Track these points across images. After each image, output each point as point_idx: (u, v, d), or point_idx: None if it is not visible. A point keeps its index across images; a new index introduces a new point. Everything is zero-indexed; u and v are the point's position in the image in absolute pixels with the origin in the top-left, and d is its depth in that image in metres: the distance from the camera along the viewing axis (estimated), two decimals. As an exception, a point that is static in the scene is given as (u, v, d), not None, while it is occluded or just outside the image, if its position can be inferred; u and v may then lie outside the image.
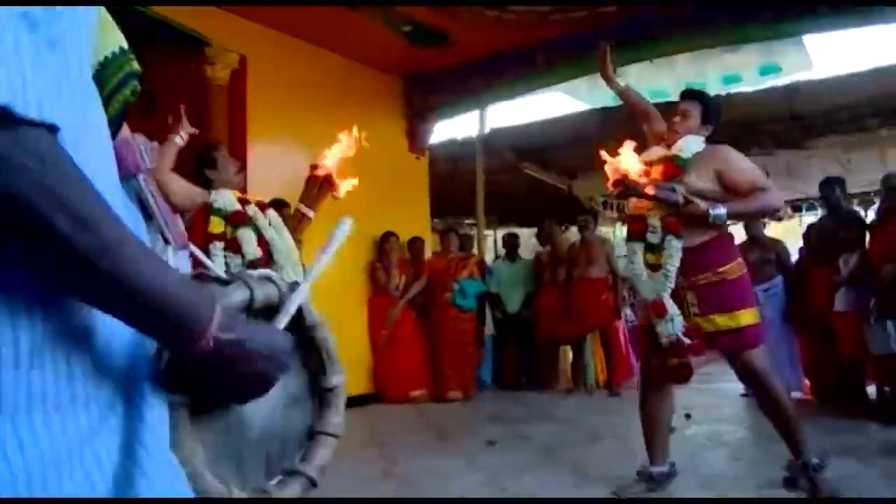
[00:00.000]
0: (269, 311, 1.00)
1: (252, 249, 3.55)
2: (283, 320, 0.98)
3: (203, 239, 3.52)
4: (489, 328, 7.72)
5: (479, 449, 4.69)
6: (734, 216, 3.42)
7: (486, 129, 8.72)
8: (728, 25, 6.15)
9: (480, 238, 8.75)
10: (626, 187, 3.30)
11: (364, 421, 5.93)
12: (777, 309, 6.10)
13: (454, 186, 9.62)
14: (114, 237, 0.67)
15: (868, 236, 5.51)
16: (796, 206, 11.54)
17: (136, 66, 0.96)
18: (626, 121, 7.94)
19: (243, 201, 3.76)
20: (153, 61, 6.48)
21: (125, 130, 0.96)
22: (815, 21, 5.89)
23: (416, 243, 7.51)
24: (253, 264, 3.46)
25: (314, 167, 3.88)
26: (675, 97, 8.39)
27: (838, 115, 7.95)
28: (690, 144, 3.42)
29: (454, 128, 9.78)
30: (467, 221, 11.19)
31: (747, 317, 3.33)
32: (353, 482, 3.77)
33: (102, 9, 0.95)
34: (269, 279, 1.02)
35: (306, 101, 6.61)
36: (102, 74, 0.93)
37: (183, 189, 3.52)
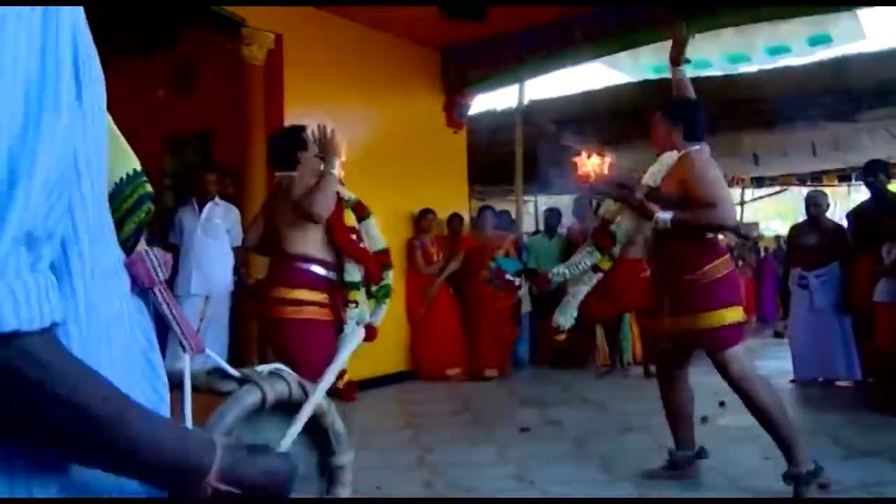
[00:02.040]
0: (281, 407, 1.06)
1: (379, 240, 3.63)
2: (294, 431, 1.04)
3: (347, 232, 3.49)
4: (526, 305, 7.71)
5: (512, 436, 4.74)
6: (679, 224, 3.44)
7: (525, 101, 8.60)
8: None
9: (520, 213, 8.70)
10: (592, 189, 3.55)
11: (399, 400, 6.04)
12: (830, 296, 5.99)
13: (493, 155, 9.58)
14: (114, 414, 0.72)
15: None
16: (843, 177, 11.26)
17: (148, 188, 1.00)
18: (665, 93, 7.85)
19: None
20: (190, 43, 6.59)
21: (140, 245, 1.01)
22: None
23: (454, 220, 7.51)
24: (383, 258, 3.58)
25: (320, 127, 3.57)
26: (716, 69, 8.26)
27: (890, 87, 7.68)
28: (662, 162, 3.57)
29: (493, 99, 9.64)
30: (507, 188, 11.14)
31: (724, 316, 3.40)
32: (385, 470, 3.86)
33: (116, 132, 0.99)
34: (279, 375, 1.08)
35: (343, 78, 6.61)
36: (117, 196, 0.97)
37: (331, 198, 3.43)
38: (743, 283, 10.73)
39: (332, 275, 3.46)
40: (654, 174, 3.62)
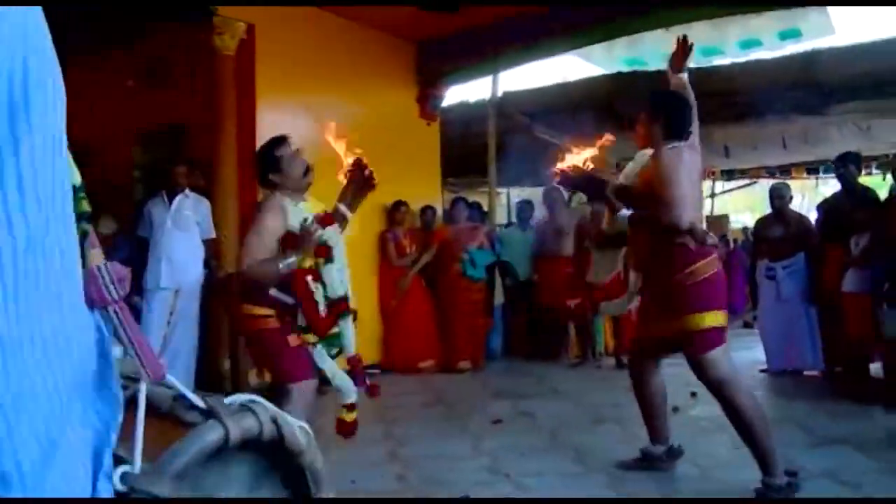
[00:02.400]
0: (250, 445, 0.99)
1: (335, 288, 3.30)
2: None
3: (302, 275, 3.25)
4: (499, 297, 7.73)
5: (485, 429, 4.75)
6: (633, 222, 3.53)
7: (499, 93, 8.59)
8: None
9: (493, 205, 8.70)
10: (563, 179, 3.66)
11: (373, 392, 6.01)
12: (797, 286, 6.08)
13: (466, 147, 9.56)
14: None
15: (885, 215, 5.41)
16: (812, 169, 11.41)
17: (85, 206, 0.95)
18: (638, 86, 7.88)
19: (326, 220, 3.32)
20: (161, 34, 6.49)
21: (92, 260, 0.95)
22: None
23: (427, 212, 7.49)
24: (337, 307, 3.30)
25: (356, 163, 3.48)
26: (690, 62, 8.31)
27: (859, 82, 7.79)
28: (638, 159, 3.65)
29: (467, 91, 9.62)
30: (480, 180, 11.12)
31: (705, 318, 3.33)
32: (357, 468, 3.84)
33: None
34: (250, 409, 1.00)
35: (316, 69, 6.55)
36: None
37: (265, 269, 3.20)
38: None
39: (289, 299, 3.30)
40: (627, 172, 3.65)
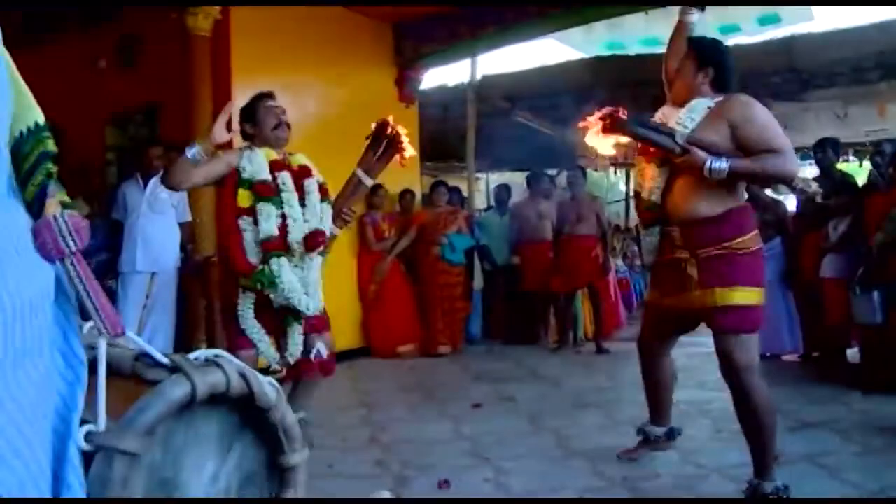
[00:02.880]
0: (220, 400, 0.96)
1: (268, 227, 3.30)
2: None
3: (232, 213, 3.33)
4: (478, 281, 7.71)
5: (465, 412, 4.72)
6: (738, 175, 2.93)
7: (478, 77, 8.53)
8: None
9: (471, 190, 8.66)
10: (615, 121, 2.96)
11: (352, 377, 5.96)
12: (774, 271, 6.10)
13: (445, 131, 9.52)
14: None
15: (862, 201, 5.44)
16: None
17: (50, 145, 0.90)
18: (618, 70, 7.87)
19: (277, 165, 3.41)
20: (133, 12, 6.34)
21: (47, 209, 0.90)
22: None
23: (406, 196, 7.44)
24: (266, 245, 3.30)
25: (382, 123, 3.57)
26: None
27: (838, 69, 7.83)
28: (696, 109, 3.02)
29: (445, 74, 9.56)
30: (458, 165, 11.08)
31: (747, 295, 2.97)
32: (336, 452, 3.80)
33: (19, 78, 0.90)
34: (217, 364, 0.97)
35: (293, 50, 6.45)
36: (20, 150, 0.88)
37: (204, 173, 3.32)
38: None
39: None
40: (685, 120, 3.01)
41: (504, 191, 8.37)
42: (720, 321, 3.00)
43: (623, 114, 2.98)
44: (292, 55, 6.39)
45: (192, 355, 0.97)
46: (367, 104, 7.26)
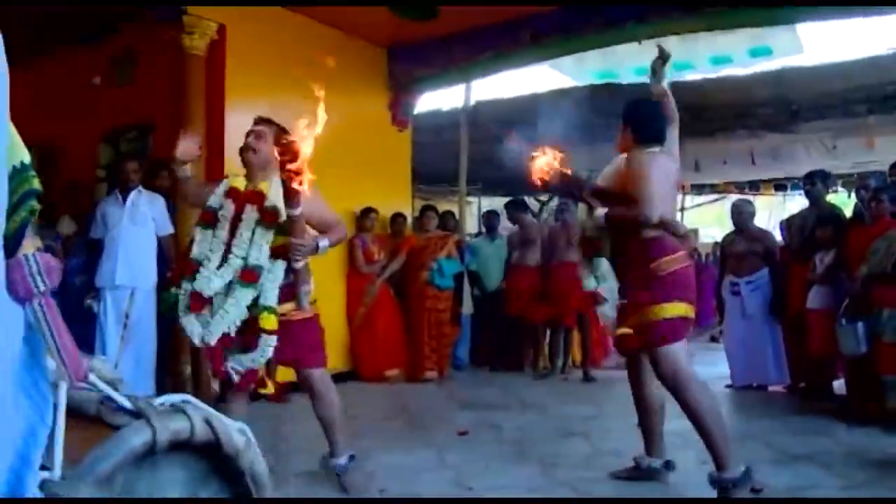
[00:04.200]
0: (185, 447, 0.95)
1: (195, 251, 3.41)
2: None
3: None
4: (468, 307, 7.69)
5: (450, 440, 4.69)
6: (610, 219, 3.51)
7: (471, 102, 8.57)
8: (720, 10, 6.03)
9: (463, 214, 8.67)
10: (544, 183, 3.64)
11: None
12: (761, 302, 6.13)
13: (438, 155, 9.54)
14: None
15: (848, 234, 5.47)
16: (780, 186, 11.55)
17: (35, 183, 0.90)
18: (611, 99, 7.91)
19: (231, 192, 3.46)
20: (131, 32, 6.37)
21: (22, 250, 0.90)
22: (812, 10, 5.78)
23: (397, 220, 7.44)
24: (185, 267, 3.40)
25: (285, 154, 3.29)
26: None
27: (828, 101, 7.91)
28: (615, 162, 3.69)
29: (439, 99, 9.59)
30: (451, 189, 11.10)
31: (666, 309, 3.36)
32: (318, 479, 3.76)
33: (8, 121, 0.89)
34: (182, 410, 0.96)
35: (287, 72, 6.45)
36: (2, 190, 0.87)
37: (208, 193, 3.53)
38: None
39: None
40: (604, 174, 3.71)
41: (494, 216, 8.38)
42: (647, 337, 3.43)
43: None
44: (285, 76, 6.39)
45: (158, 400, 0.96)
46: (361, 127, 7.30)
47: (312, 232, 3.44)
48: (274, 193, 3.37)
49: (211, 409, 0.97)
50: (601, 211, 3.55)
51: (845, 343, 4.95)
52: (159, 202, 5.51)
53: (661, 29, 6.60)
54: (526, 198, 13.38)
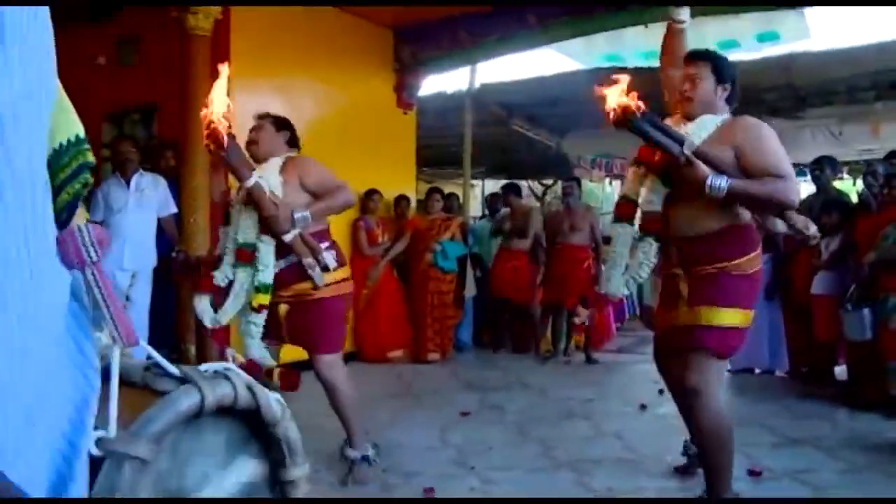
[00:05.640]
0: (228, 411, 0.99)
1: (219, 248, 3.55)
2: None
3: None
4: (470, 289, 7.71)
5: (453, 420, 4.73)
6: (737, 195, 2.82)
7: (476, 85, 8.55)
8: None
9: (467, 197, 8.67)
10: (627, 120, 2.77)
11: (341, 381, 5.96)
12: (761, 286, 6.12)
13: (442, 138, 9.54)
14: None
15: (854, 220, 5.46)
16: (785, 172, 11.52)
17: (90, 157, 0.95)
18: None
19: None
20: (135, 12, 6.34)
21: (74, 222, 0.94)
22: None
23: (402, 202, 7.44)
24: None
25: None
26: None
27: (834, 87, 7.88)
28: (705, 125, 2.97)
29: (444, 82, 9.57)
30: (455, 172, 11.11)
31: (729, 317, 2.91)
32: (322, 458, 3.79)
33: (61, 90, 0.93)
34: (225, 376, 1.00)
35: (292, 53, 6.45)
36: (57, 161, 0.91)
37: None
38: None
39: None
40: (693, 135, 2.92)
41: (497, 199, 8.39)
42: (701, 340, 2.93)
43: (639, 110, 2.79)
44: (292, 58, 6.40)
45: (201, 367, 1.01)
46: (366, 109, 7.30)
47: (298, 202, 3.35)
48: (267, 174, 3.37)
49: (251, 378, 1.02)
50: (719, 181, 2.76)
51: (851, 329, 4.97)
52: (161, 183, 5.54)
53: (667, 12, 6.58)
54: (529, 182, 13.55)
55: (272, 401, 1.04)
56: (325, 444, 3.77)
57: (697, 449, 3.21)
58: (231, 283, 3.40)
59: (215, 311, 3.44)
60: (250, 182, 3.22)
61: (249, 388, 1.00)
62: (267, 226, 3.30)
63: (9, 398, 0.74)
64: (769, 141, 2.86)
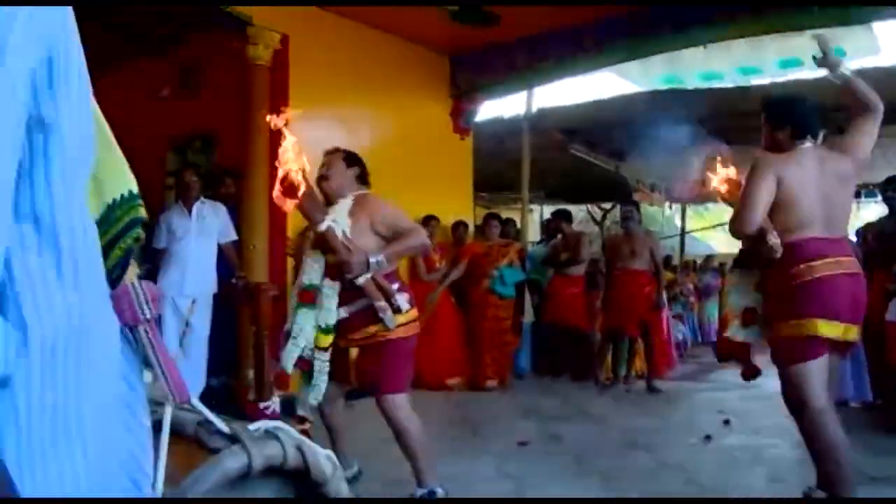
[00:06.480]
0: (275, 472, 0.98)
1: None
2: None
3: None
4: (528, 315, 7.62)
5: (511, 450, 4.63)
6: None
7: (534, 109, 8.52)
8: (788, 10, 5.86)
9: (525, 223, 8.60)
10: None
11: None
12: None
13: (500, 162, 9.52)
14: None
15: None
16: (855, 193, 11.14)
17: (142, 212, 0.94)
18: (675, 104, 7.76)
19: None
20: (197, 43, 6.53)
21: (126, 277, 0.92)
22: (887, 9, 5.57)
23: (459, 227, 7.43)
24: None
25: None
26: (728, 81, 8.16)
27: (905, 104, 7.58)
28: None
29: (501, 106, 9.56)
30: (512, 196, 11.07)
31: (790, 327, 3.09)
32: (377, 487, 3.75)
33: (115, 149, 0.92)
34: (275, 435, 0.99)
35: (349, 80, 6.53)
36: (109, 217, 0.90)
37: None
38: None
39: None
40: None
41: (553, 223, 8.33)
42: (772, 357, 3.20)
43: None
44: (347, 85, 6.48)
45: (252, 426, 1.00)
46: (423, 135, 7.34)
47: (369, 244, 3.29)
48: (338, 217, 3.32)
49: (302, 437, 1.01)
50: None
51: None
52: (222, 211, 5.64)
53: (726, 32, 6.47)
54: (588, 206, 13.42)
55: (322, 459, 1.02)
56: (381, 471, 3.73)
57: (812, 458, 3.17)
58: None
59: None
60: (323, 226, 3.21)
61: (298, 448, 0.99)
62: (339, 269, 3.26)
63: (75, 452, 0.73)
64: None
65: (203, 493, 0.87)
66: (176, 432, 0.94)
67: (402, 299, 3.35)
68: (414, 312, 3.48)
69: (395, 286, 3.37)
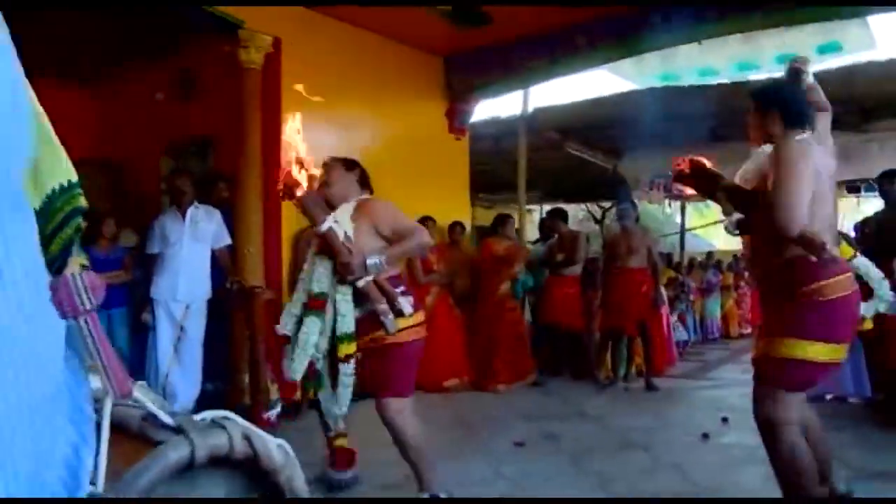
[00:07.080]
0: (224, 462, 0.95)
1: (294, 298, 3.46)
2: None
3: None
4: (526, 316, 7.61)
5: (507, 451, 4.61)
6: (742, 230, 3.01)
7: (530, 109, 8.50)
8: (785, 6, 5.84)
9: (523, 222, 8.58)
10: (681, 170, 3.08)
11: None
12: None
13: (496, 163, 9.51)
14: None
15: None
16: (852, 187, 11.10)
17: (82, 201, 0.92)
18: (671, 101, 7.73)
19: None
20: (190, 48, 6.51)
21: (68, 268, 0.91)
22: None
23: (456, 228, 7.40)
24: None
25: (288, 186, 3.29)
26: (724, 77, 8.12)
27: (900, 99, 7.58)
28: (756, 157, 3.05)
29: (497, 106, 9.56)
30: (510, 197, 11.05)
31: (801, 349, 2.79)
32: (373, 489, 3.73)
33: (53, 140, 0.91)
34: (221, 426, 0.96)
35: (343, 83, 6.51)
36: (49, 207, 0.89)
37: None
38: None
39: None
40: (743, 171, 3.07)
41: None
42: (763, 373, 2.95)
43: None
44: (341, 88, 6.45)
45: (199, 416, 0.97)
46: (418, 136, 7.32)
47: (373, 247, 3.26)
48: (341, 219, 3.30)
49: (251, 425, 0.98)
50: (735, 216, 2.94)
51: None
52: (216, 215, 5.60)
53: (721, 28, 6.43)
54: (588, 205, 13.40)
55: (273, 448, 0.99)
56: (378, 474, 3.70)
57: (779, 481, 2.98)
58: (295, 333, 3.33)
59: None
60: (324, 227, 3.19)
61: (246, 437, 0.95)
62: (340, 272, 3.24)
63: (7, 453, 0.71)
64: (781, 166, 2.73)
65: (146, 484, 0.85)
66: (121, 428, 0.92)
67: (406, 302, 3.30)
68: (419, 316, 3.42)
69: (399, 290, 3.33)
